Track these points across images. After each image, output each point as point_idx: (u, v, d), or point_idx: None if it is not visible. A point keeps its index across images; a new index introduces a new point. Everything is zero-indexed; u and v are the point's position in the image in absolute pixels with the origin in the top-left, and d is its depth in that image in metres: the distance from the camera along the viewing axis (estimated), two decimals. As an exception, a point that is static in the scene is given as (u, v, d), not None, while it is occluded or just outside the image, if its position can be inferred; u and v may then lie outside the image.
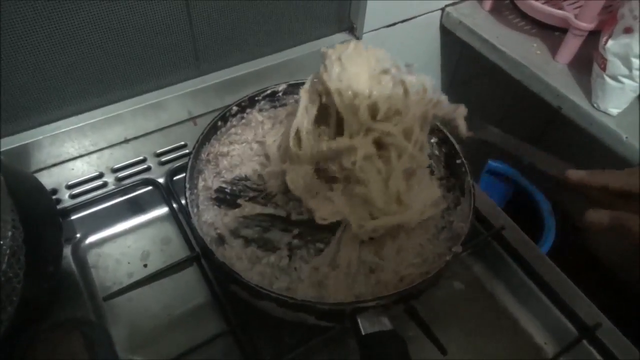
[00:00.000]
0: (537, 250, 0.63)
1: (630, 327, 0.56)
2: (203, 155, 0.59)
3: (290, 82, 0.66)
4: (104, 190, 0.66)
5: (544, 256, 0.62)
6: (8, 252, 0.40)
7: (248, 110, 0.65)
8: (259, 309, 0.49)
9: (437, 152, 0.63)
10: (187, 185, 0.53)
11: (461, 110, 0.52)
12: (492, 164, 1.11)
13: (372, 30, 0.87)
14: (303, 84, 0.65)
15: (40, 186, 0.55)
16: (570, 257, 0.68)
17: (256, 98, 0.64)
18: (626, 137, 0.71)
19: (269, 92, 0.65)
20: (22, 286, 0.43)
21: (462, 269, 0.64)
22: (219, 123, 0.61)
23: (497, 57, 0.86)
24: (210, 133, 0.60)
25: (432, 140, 0.63)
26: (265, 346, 0.54)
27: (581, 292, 0.59)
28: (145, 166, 0.70)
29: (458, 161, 0.59)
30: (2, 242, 0.41)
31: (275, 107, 0.67)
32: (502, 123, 1.10)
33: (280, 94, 0.66)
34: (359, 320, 0.45)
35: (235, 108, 0.63)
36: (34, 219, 0.46)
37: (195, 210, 0.54)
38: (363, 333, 0.44)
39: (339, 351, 0.55)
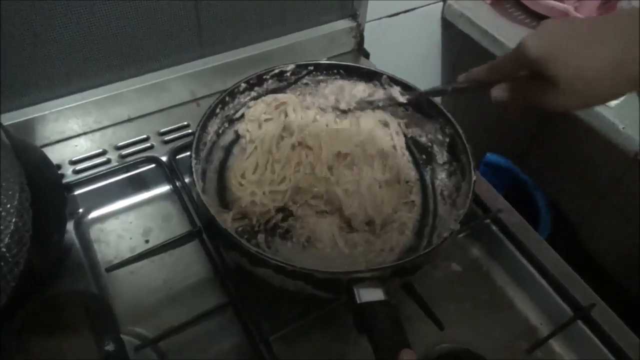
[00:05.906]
0: (533, 233, 0.64)
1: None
2: (210, 129, 0.60)
3: (299, 63, 0.66)
4: (107, 166, 0.66)
5: (540, 238, 0.63)
6: (15, 213, 0.41)
7: (256, 88, 0.65)
8: (259, 278, 0.50)
9: (440, 137, 0.63)
10: (193, 155, 0.54)
11: None
12: (490, 156, 1.12)
13: (375, 20, 0.88)
14: (311, 64, 0.66)
15: (45, 157, 0.56)
16: (564, 251, 0.69)
17: (264, 77, 0.65)
18: (623, 127, 0.73)
19: (276, 71, 0.65)
20: (28, 249, 0.43)
21: (460, 251, 0.65)
22: (227, 98, 0.62)
23: (498, 49, 0.87)
24: (217, 107, 0.61)
25: (436, 125, 0.63)
26: (264, 318, 0.54)
27: (576, 274, 0.60)
28: (148, 144, 0.70)
29: (461, 146, 0.60)
30: (9, 204, 0.41)
31: (282, 86, 0.68)
32: (501, 115, 1.11)
33: (288, 73, 0.66)
34: (354, 290, 0.46)
35: (243, 85, 0.63)
36: (40, 185, 0.46)
37: (200, 181, 0.54)
38: (358, 302, 0.45)
39: (336, 326, 0.56)
